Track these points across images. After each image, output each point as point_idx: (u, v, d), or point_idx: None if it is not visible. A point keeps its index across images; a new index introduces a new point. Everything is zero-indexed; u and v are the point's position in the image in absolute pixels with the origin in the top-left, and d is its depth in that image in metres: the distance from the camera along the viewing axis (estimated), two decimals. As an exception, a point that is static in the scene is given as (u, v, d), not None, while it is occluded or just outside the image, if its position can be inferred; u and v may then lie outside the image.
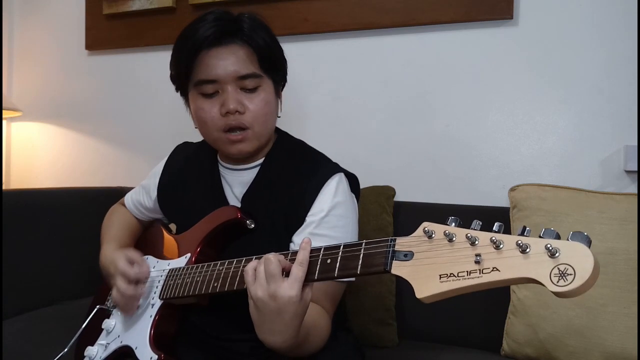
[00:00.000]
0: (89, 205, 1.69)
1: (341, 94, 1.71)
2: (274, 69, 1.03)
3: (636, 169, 1.38)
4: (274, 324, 0.73)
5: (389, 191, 1.49)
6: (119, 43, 2.01)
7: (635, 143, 1.38)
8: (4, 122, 2.10)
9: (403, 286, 1.39)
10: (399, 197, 1.50)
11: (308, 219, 0.97)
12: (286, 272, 0.73)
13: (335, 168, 1.04)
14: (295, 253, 0.74)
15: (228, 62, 0.97)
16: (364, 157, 1.65)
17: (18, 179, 2.21)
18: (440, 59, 1.60)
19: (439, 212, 1.43)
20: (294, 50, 1.79)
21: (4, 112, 1.97)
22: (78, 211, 1.68)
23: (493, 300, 1.32)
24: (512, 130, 1.53)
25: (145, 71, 1.99)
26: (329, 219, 0.97)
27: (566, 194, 1.28)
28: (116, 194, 1.42)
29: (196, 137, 1.14)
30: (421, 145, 1.61)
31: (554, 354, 1.19)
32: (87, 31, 2.06)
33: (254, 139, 1.01)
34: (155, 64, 1.96)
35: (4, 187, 2.09)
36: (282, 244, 0.98)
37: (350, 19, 1.67)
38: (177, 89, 1.08)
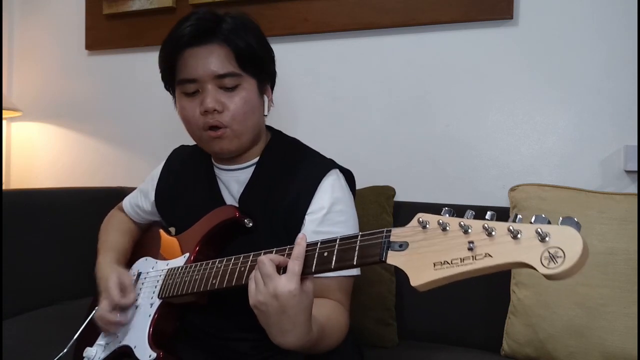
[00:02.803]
0: (89, 205, 1.69)
1: (341, 93, 1.71)
2: (256, 69, 1.02)
3: (636, 169, 1.37)
4: (281, 323, 0.72)
5: (389, 191, 1.49)
6: (119, 43, 2.01)
7: (635, 143, 1.38)
8: (4, 122, 2.10)
9: (403, 286, 1.39)
10: (399, 197, 1.50)
11: (308, 217, 0.98)
12: (283, 269, 0.73)
13: (330, 164, 1.04)
14: (292, 249, 0.75)
15: (206, 61, 0.97)
16: (364, 157, 1.65)
17: (18, 179, 2.21)
18: (440, 59, 1.60)
19: (439, 212, 1.43)
20: (294, 50, 1.81)
21: (4, 112, 1.97)
22: (78, 211, 1.68)
23: (493, 300, 1.32)
24: (512, 130, 1.53)
25: (145, 71, 1.98)
26: (331, 215, 0.97)
27: (566, 194, 1.28)
28: (116, 194, 1.42)
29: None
30: (421, 145, 1.61)
31: (554, 354, 1.19)
32: (87, 31, 2.06)
33: (233, 137, 1.00)
34: (155, 64, 1.91)
35: (4, 187, 2.08)
36: (280, 242, 0.97)
37: (350, 19, 1.67)
38: (166, 88, 1.09)
